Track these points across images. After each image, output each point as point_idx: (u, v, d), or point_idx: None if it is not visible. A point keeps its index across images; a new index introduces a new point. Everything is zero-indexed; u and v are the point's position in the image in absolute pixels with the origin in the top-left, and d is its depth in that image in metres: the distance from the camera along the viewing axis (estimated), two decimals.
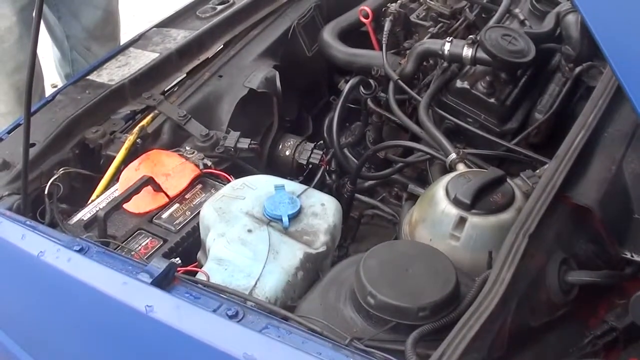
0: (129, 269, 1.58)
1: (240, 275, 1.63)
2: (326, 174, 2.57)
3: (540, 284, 1.56)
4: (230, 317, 1.44)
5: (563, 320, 1.60)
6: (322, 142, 2.58)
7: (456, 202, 1.73)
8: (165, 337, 1.48)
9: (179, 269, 1.66)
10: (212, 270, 1.65)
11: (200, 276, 1.64)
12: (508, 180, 1.80)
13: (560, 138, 1.78)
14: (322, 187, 2.59)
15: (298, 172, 2.52)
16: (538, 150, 2.25)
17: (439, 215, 1.75)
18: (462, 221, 1.71)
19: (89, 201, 2.06)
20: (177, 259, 1.73)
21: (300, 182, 2.52)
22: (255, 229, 1.72)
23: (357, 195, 2.50)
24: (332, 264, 1.93)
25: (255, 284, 1.61)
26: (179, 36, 2.53)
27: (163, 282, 1.53)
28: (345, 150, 2.63)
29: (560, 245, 1.62)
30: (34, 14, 1.85)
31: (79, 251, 1.65)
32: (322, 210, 1.80)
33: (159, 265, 1.54)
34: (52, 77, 3.57)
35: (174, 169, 2.06)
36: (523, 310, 1.49)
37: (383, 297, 1.46)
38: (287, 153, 2.51)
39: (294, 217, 1.76)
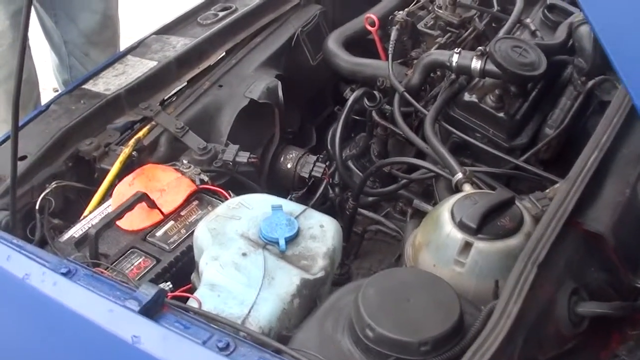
0: (117, 295, 1.50)
1: (234, 303, 1.55)
2: (329, 187, 2.51)
3: (549, 315, 1.49)
4: (221, 350, 1.37)
5: (572, 354, 1.52)
6: (326, 154, 2.51)
7: (461, 226, 1.64)
8: None
9: (169, 294, 1.60)
10: (205, 297, 1.57)
11: (191, 302, 1.57)
12: (517, 202, 1.72)
13: (572, 154, 1.71)
14: (324, 200, 2.53)
15: (300, 186, 2.45)
16: (548, 166, 2.18)
17: (443, 239, 1.66)
18: (467, 246, 1.62)
19: (82, 217, 1.99)
20: (169, 283, 1.66)
21: (303, 195, 2.48)
22: (250, 253, 1.64)
23: (360, 210, 2.43)
24: (332, 283, 1.86)
25: (249, 312, 1.53)
26: (179, 44, 2.46)
27: (152, 310, 1.45)
28: (350, 163, 2.57)
29: (571, 274, 1.54)
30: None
31: (66, 274, 1.57)
32: (321, 232, 1.71)
33: (147, 291, 1.46)
34: (52, 82, 3.50)
35: (169, 185, 1.99)
36: (531, 345, 1.42)
37: (382, 330, 1.37)
38: (289, 166, 2.44)
39: (292, 240, 1.68)
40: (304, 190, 2.52)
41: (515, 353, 1.37)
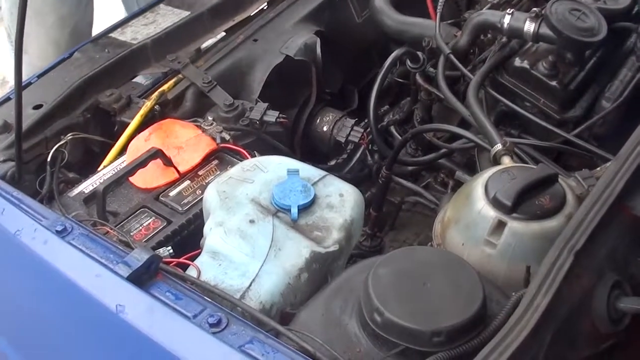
0: (109, 258, 1.39)
1: (235, 274, 1.42)
2: (367, 153, 2.35)
3: (584, 310, 1.32)
4: (211, 326, 1.24)
5: (609, 355, 1.36)
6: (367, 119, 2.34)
7: (495, 203, 1.47)
8: (134, 344, 1.28)
9: (168, 259, 1.48)
10: (205, 265, 1.44)
11: (190, 271, 1.44)
12: (561, 180, 1.53)
13: (631, 131, 1.51)
14: (362, 167, 2.38)
15: (336, 150, 2.30)
16: (604, 142, 1.97)
17: (474, 216, 1.49)
18: (500, 226, 1.46)
19: (95, 172, 1.88)
20: (169, 248, 1.55)
21: (341, 162, 2.32)
22: (258, 220, 1.50)
23: (399, 179, 2.26)
24: (361, 257, 1.72)
25: (250, 285, 1.40)
26: None
27: (142, 277, 1.33)
28: (392, 129, 2.40)
29: (613, 264, 1.36)
30: None
31: (60, 232, 1.47)
32: (340, 202, 1.55)
33: (139, 257, 1.34)
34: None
35: (187, 142, 1.86)
36: (561, 342, 1.25)
37: (391, 315, 1.23)
38: (325, 129, 2.28)
39: (306, 208, 1.53)
40: (344, 156, 2.37)
41: (542, 351, 1.21)
